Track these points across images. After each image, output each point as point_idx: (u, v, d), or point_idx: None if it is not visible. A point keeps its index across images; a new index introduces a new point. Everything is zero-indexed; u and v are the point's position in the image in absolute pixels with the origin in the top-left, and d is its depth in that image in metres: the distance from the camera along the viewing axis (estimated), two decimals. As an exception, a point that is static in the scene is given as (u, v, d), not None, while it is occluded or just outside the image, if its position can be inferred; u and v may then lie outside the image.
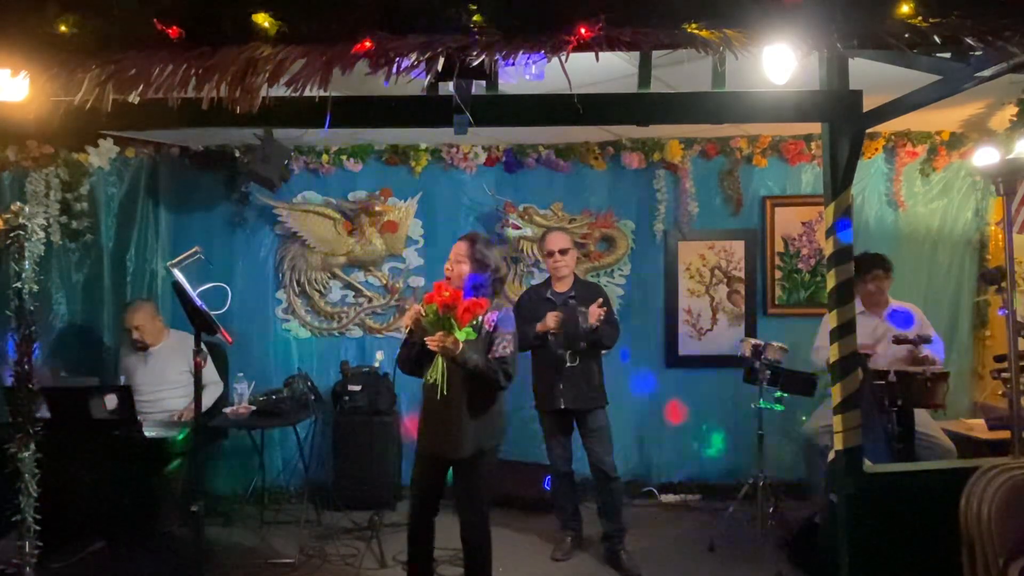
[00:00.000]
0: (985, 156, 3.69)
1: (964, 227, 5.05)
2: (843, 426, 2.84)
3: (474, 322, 2.99)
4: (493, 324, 3.13)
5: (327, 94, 2.26)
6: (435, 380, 2.98)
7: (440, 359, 2.98)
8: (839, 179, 2.85)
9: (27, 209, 2.77)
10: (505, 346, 3.11)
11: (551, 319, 3.92)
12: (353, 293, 5.28)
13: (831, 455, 2.99)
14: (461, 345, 2.94)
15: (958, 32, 2.23)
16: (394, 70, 2.20)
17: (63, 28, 2.21)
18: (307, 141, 5.06)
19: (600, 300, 3.96)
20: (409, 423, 5.14)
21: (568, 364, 3.95)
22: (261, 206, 5.15)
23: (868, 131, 3.41)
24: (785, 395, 4.16)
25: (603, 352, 4.14)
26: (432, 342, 2.93)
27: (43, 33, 2.23)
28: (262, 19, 2.17)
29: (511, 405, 4.81)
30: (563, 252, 4.12)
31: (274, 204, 5.10)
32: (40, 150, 4.61)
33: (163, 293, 5.09)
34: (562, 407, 4.00)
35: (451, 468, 3.22)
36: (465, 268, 3.12)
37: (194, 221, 5.17)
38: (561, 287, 4.14)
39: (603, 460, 3.99)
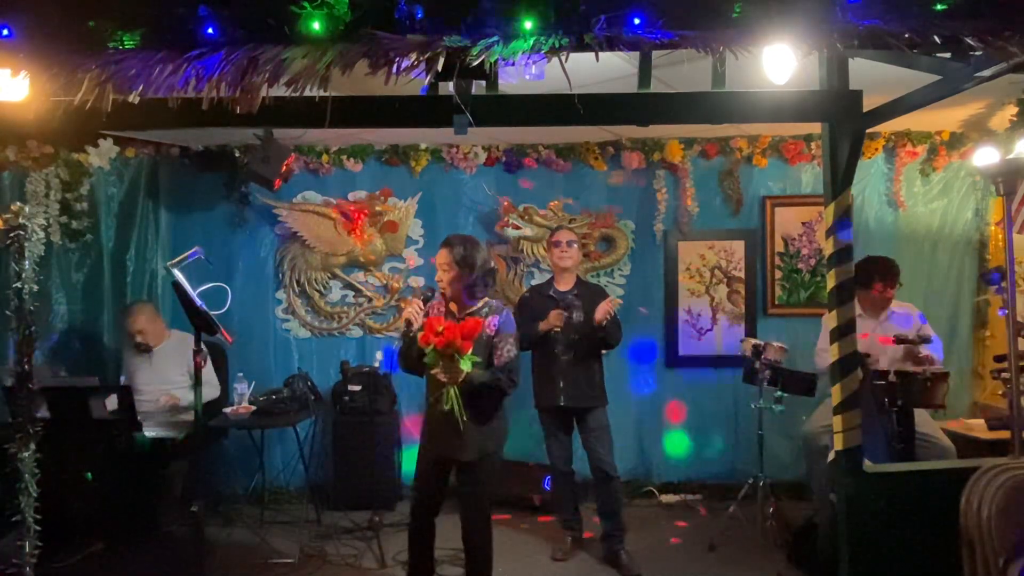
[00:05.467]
0: (985, 156, 3.69)
1: (964, 227, 5.05)
2: (843, 426, 2.84)
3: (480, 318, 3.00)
4: (495, 328, 3.12)
5: (327, 94, 2.26)
6: (451, 407, 2.93)
7: (452, 387, 2.94)
8: (839, 179, 2.86)
9: (27, 209, 2.76)
10: (508, 350, 3.10)
11: (555, 317, 3.93)
12: (353, 293, 5.28)
13: (831, 455, 2.99)
14: (466, 374, 2.92)
15: (958, 32, 2.23)
16: (394, 70, 2.20)
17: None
18: (307, 141, 5.05)
19: (610, 298, 3.98)
20: (409, 423, 5.14)
21: (563, 358, 3.95)
22: (261, 206, 5.15)
23: (868, 131, 3.41)
24: (785, 395, 4.17)
25: (604, 352, 4.15)
26: (440, 376, 2.90)
27: (43, 33, 2.24)
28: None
29: (511, 405, 4.83)
30: (570, 244, 4.14)
31: (274, 204, 5.10)
32: (40, 150, 4.61)
33: (163, 293, 5.10)
34: (562, 404, 4.00)
35: (454, 470, 3.22)
36: (452, 274, 3.10)
37: (194, 221, 5.17)
38: (564, 286, 4.15)
39: (603, 459, 3.99)
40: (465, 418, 2.96)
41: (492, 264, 3.20)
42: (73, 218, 4.74)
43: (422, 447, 3.27)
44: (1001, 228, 3.71)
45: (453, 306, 3.17)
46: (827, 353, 4.03)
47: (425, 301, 3.14)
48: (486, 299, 3.19)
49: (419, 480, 3.29)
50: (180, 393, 4.39)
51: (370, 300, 5.26)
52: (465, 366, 2.87)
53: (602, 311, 3.87)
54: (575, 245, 4.18)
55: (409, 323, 3.07)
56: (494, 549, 3.23)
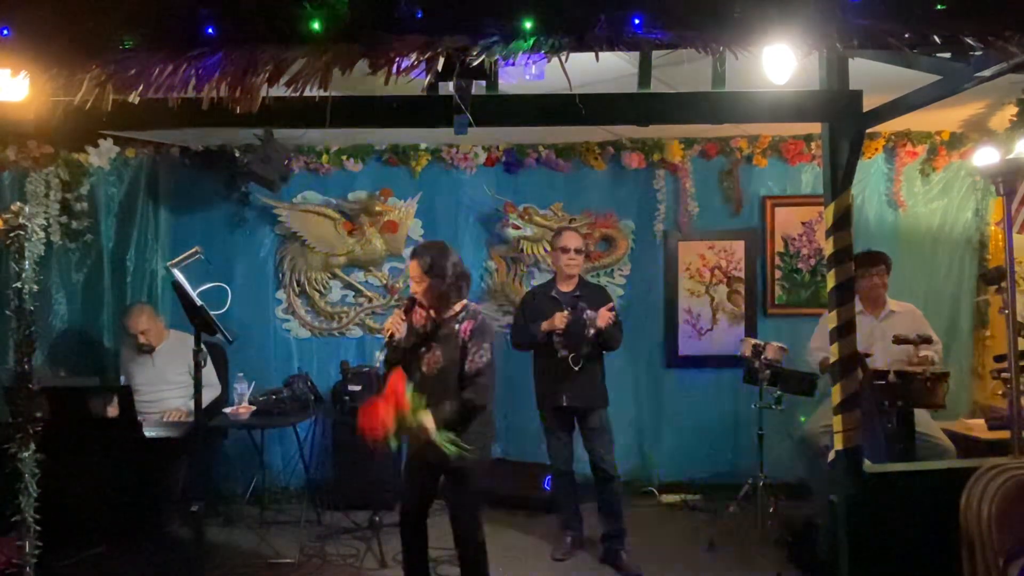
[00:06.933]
0: (985, 156, 3.68)
1: (964, 227, 5.06)
2: (843, 426, 2.83)
3: (456, 324, 3.07)
4: (469, 332, 3.12)
5: (327, 94, 2.25)
6: (456, 450, 2.99)
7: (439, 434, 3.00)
8: (839, 179, 2.85)
9: (27, 209, 2.76)
10: (480, 356, 3.10)
11: (559, 319, 3.93)
12: (353, 293, 5.28)
13: (831, 455, 2.99)
14: (432, 425, 2.96)
15: (958, 32, 2.23)
16: (394, 70, 2.20)
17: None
18: (307, 141, 5.06)
19: (611, 304, 3.98)
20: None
21: (574, 367, 3.95)
22: (261, 206, 5.15)
23: (868, 131, 3.41)
24: (785, 395, 4.17)
25: (605, 352, 4.14)
26: (424, 435, 2.96)
27: (43, 33, 2.23)
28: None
29: (512, 405, 4.84)
30: (578, 251, 4.13)
31: (274, 204, 5.10)
32: (40, 150, 4.61)
33: (163, 293, 5.09)
34: (564, 404, 4.00)
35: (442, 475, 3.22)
36: (424, 284, 3.12)
37: (194, 221, 5.17)
38: (566, 287, 4.15)
39: (604, 459, 3.99)
40: (468, 448, 2.99)
41: (461, 268, 3.20)
42: (73, 218, 4.74)
43: (409, 452, 3.29)
44: (1001, 228, 3.71)
45: (432, 313, 3.18)
46: (820, 352, 4.07)
47: (406, 311, 3.16)
48: (464, 303, 3.20)
49: (407, 485, 3.30)
50: (182, 403, 4.39)
51: (370, 300, 5.26)
52: (422, 419, 2.92)
53: (604, 319, 3.87)
54: (581, 252, 4.18)
55: (392, 335, 3.11)
56: (495, 549, 3.23)
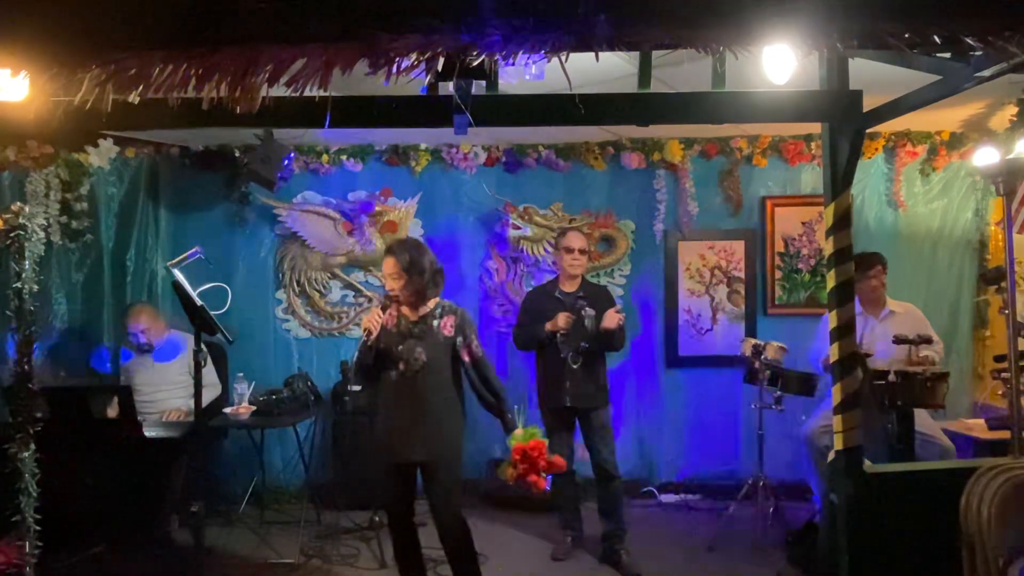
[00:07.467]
0: (985, 156, 3.69)
1: (964, 227, 5.05)
2: (843, 426, 2.83)
3: (434, 320, 3.13)
4: (453, 328, 3.15)
5: (327, 94, 2.25)
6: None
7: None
8: (839, 179, 2.85)
9: (27, 209, 2.77)
10: (476, 346, 3.20)
11: (562, 319, 3.93)
12: (353, 293, 5.28)
13: (831, 455, 2.99)
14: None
15: (958, 32, 2.23)
16: (394, 70, 2.20)
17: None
18: (307, 141, 5.06)
19: (619, 306, 3.98)
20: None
21: (573, 366, 3.95)
22: (261, 206, 5.15)
23: (868, 131, 3.41)
24: (785, 395, 4.17)
25: (607, 352, 4.15)
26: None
27: (43, 33, 2.23)
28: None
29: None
30: (581, 252, 4.13)
31: (274, 204, 5.10)
32: (40, 150, 4.61)
33: (163, 293, 5.09)
34: (567, 405, 4.00)
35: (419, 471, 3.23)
36: (402, 281, 3.12)
37: (194, 221, 5.17)
38: (569, 287, 4.15)
39: (606, 459, 4.00)
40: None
41: (437, 264, 3.22)
42: (73, 218, 4.74)
43: (378, 455, 3.28)
44: (1001, 228, 3.71)
45: (406, 311, 3.19)
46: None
47: (383, 309, 3.17)
48: (438, 300, 3.22)
49: (388, 486, 3.28)
50: (182, 403, 4.39)
51: (370, 300, 5.26)
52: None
53: (612, 320, 3.87)
54: (585, 252, 4.18)
55: (368, 332, 3.09)
56: (495, 548, 3.23)
